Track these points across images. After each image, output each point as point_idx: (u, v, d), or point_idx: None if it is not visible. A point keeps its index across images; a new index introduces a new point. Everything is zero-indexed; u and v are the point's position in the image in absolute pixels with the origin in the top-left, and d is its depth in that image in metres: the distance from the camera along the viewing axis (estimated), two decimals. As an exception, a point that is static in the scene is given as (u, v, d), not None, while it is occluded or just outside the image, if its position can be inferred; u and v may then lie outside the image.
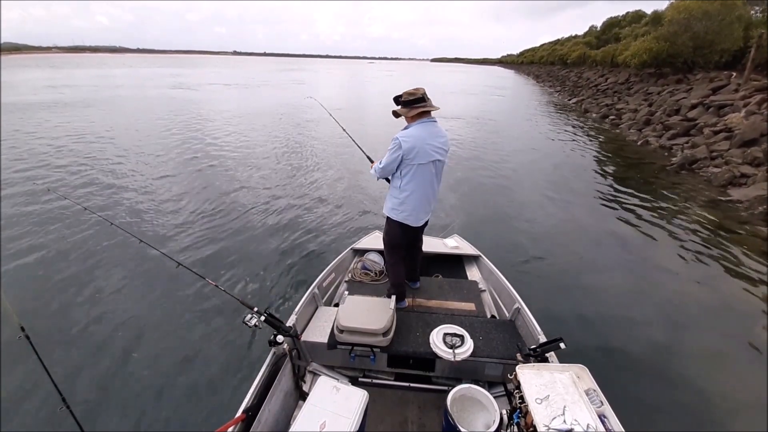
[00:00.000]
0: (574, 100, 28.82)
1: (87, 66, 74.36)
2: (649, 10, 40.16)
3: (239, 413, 2.19)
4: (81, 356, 3.91)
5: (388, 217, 3.19)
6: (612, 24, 47.54)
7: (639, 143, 14.17)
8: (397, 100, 2.94)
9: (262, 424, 2.28)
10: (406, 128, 2.91)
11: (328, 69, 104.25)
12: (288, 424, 2.55)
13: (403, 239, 3.30)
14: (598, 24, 53.58)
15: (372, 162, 3.27)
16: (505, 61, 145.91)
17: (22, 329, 2.15)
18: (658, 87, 20.79)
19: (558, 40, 71.04)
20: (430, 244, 4.43)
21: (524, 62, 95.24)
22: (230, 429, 2.05)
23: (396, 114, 2.99)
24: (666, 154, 12.54)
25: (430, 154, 2.87)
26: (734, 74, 18.01)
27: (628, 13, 45.78)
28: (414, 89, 2.88)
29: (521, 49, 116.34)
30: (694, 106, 14.54)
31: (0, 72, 46.18)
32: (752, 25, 19.89)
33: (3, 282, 5.04)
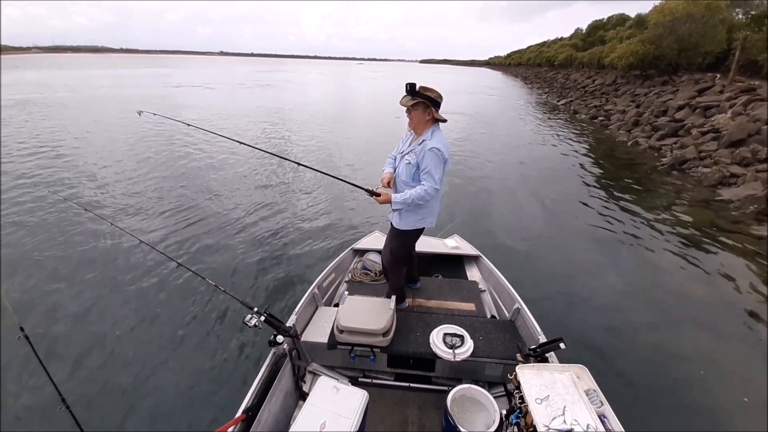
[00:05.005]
0: (562, 101, 29.04)
1: (71, 67, 73.39)
2: (628, 12, 40.88)
3: (239, 413, 2.18)
4: (81, 356, 3.88)
5: (405, 232, 3.04)
6: (597, 26, 48.24)
7: (629, 144, 14.34)
8: (412, 89, 2.68)
9: (262, 425, 2.27)
10: (433, 136, 2.72)
11: (318, 70, 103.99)
12: (288, 424, 2.53)
13: (414, 245, 3.30)
14: (583, 26, 54.35)
15: (374, 194, 2.80)
16: (493, 63, 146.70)
17: (22, 329, 2.14)
18: (644, 88, 21.06)
19: (545, 42, 71.66)
20: (430, 244, 4.44)
21: (512, 64, 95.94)
22: (230, 429, 2.04)
23: (404, 103, 2.73)
24: (656, 154, 12.70)
25: (450, 159, 2.82)
26: (718, 76, 18.31)
27: (612, 16, 46.52)
28: (440, 92, 2.73)
29: (508, 51, 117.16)
30: (681, 108, 14.75)
31: (0, 72, 45.42)
32: (735, 28, 20.25)
33: (3, 282, 4.99)
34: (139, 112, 4.28)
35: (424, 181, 2.72)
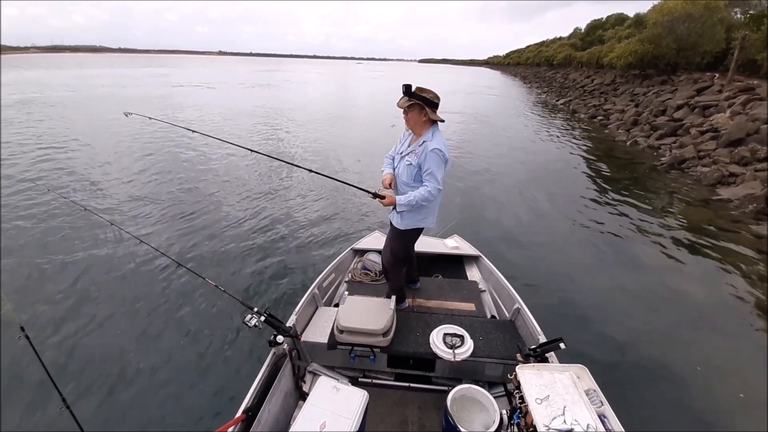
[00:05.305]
0: (561, 101, 29.05)
1: (70, 66, 73.27)
2: (627, 12, 41.03)
3: (239, 413, 2.18)
4: (81, 356, 3.89)
5: (405, 231, 3.05)
6: (596, 26, 48.29)
7: (628, 143, 14.35)
8: (408, 90, 2.67)
9: (262, 425, 2.27)
10: (433, 137, 2.73)
11: (317, 69, 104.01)
12: (288, 425, 2.53)
13: (414, 245, 3.32)
14: (582, 26, 54.43)
15: (378, 196, 2.80)
16: (492, 62, 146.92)
17: (22, 329, 2.14)
18: (643, 88, 21.08)
19: (543, 41, 71.65)
20: (430, 244, 4.43)
21: (510, 63, 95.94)
22: (230, 429, 2.04)
23: (400, 105, 2.74)
24: (655, 153, 12.72)
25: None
26: (717, 75, 18.33)
27: (611, 15, 46.56)
28: (436, 93, 2.73)
29: (507, 51, 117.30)
30: (679, 107, 14.77)
31: (0, 72, 45.46)
32: (734, 27, 20.27)
33: (3, 282, 4.99)
34: (127, 114, 4.21)
35: (427, 182, 2.72)
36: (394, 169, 3.00)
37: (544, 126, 19.00)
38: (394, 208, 2.87)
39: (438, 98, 2.72)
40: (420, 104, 2.69)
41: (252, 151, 3.73)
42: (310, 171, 3.40)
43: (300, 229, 6.75)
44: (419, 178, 2.79)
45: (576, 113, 22.98)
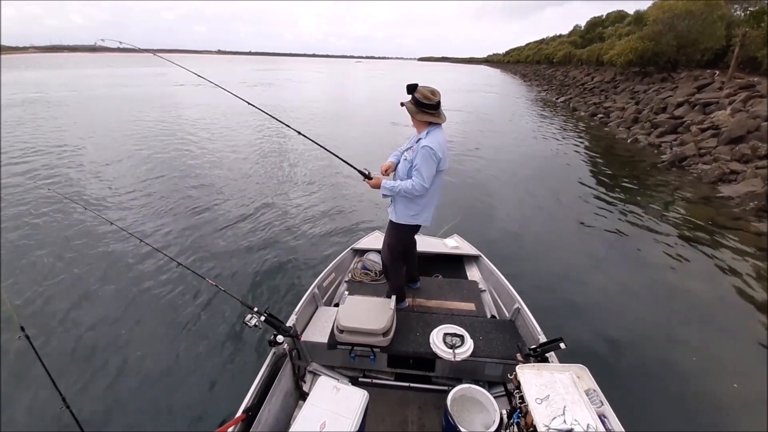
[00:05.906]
0: (561, 98, 29.00)
1: (69, 66, 73.37)
2: (625, 9, 41.04)
3: (239, 413, 2.18)
4: (81, 356, 3.89)
5: (399, 225, 3.07)
6: (595, 23, 48.17)
7: (629, 141, 14.34)
8: (411, 90, 2.75)
9: (262, 424, 2.27)
10: (428, 135, 2.76)
11: (317, 68, 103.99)
12: (288, 424, 2.54)
13: (411, 241, 3.34)
14: (581, 23, 54.33)
15: (368, 177, 2.95)
16: (491, 60, 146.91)
17: (22, 329, 2.15)
18: (644, 85, 21.05)
19: (543, 39, 71.47)
20: (430, 244, 4.44)
21: (510, 61, 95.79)
22: (230, 429, 2.05)
23: (403, 104, 2.83)
24: (656, 151, 12.70)
25: (447, 159, 2.85)
26: (717, 72, 18.30)
27: (610, 13, 46.46)
28: (431, 92, 2.73)
29: (506, 49, 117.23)
30: (680, 104, 14.74)
31: (0, 72, 45.49)
32: (734, 24, 20.23)
33: (3, 282, 5.00)
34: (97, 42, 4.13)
35: (413, 177, 2.77)
36: (398, 162, 3.06)
37: (543, 124, 18.94)
38: (392, 202, 2.96)
39: (428, 99, 2.71)
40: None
41: (298, 132, 3.82)
42: (320, 146, 3.56)
43: (300, 229, 6.75)
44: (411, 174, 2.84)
45: (576, 111, 22.95)
